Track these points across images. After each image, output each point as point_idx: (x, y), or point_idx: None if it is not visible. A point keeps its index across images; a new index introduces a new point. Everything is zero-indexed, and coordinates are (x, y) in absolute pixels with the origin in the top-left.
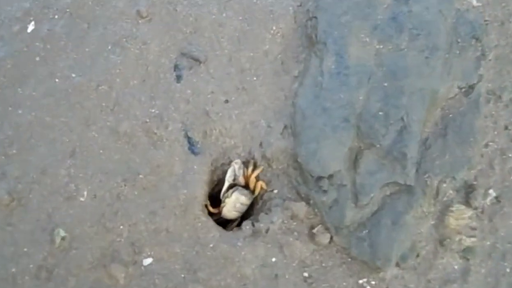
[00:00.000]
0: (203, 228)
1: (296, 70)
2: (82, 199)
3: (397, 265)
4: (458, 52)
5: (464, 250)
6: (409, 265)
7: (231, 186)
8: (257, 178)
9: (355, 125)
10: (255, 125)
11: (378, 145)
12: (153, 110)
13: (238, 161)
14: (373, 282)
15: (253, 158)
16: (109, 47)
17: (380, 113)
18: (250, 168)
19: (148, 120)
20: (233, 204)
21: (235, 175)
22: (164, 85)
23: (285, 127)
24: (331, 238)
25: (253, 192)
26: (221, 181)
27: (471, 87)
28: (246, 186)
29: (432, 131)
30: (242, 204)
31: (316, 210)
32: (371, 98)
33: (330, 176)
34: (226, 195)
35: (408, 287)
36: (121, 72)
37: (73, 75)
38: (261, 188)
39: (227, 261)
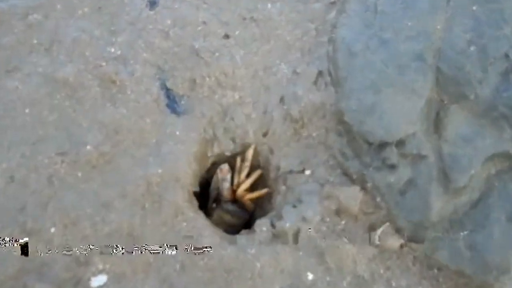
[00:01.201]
0: (190, 229)
1: None
2: None
3: None
4: None
5: None
6: None
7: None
8: (247, 191)
9: (433, 66)
10: (272, 71)
11: (472, 96)
12: (112, 50)
13: (224, 168)
14: None
15: (243, 161)
16: None
17: (472, 48)
18: (237, 179)
19: (104, 64)
20: (219, 220)
21: (217, 188)
22: (131, 13)
23: (320, 73)
24: (406, 241)
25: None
26: (221, 156)
27: None
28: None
29: None
30: (229, 222)
31: (378, 198)
32: (455, 28)
33: (400, 143)
34: (211, 206)
35: None
36: None
37: None
38: (256, 199)
39: (232, 277)
